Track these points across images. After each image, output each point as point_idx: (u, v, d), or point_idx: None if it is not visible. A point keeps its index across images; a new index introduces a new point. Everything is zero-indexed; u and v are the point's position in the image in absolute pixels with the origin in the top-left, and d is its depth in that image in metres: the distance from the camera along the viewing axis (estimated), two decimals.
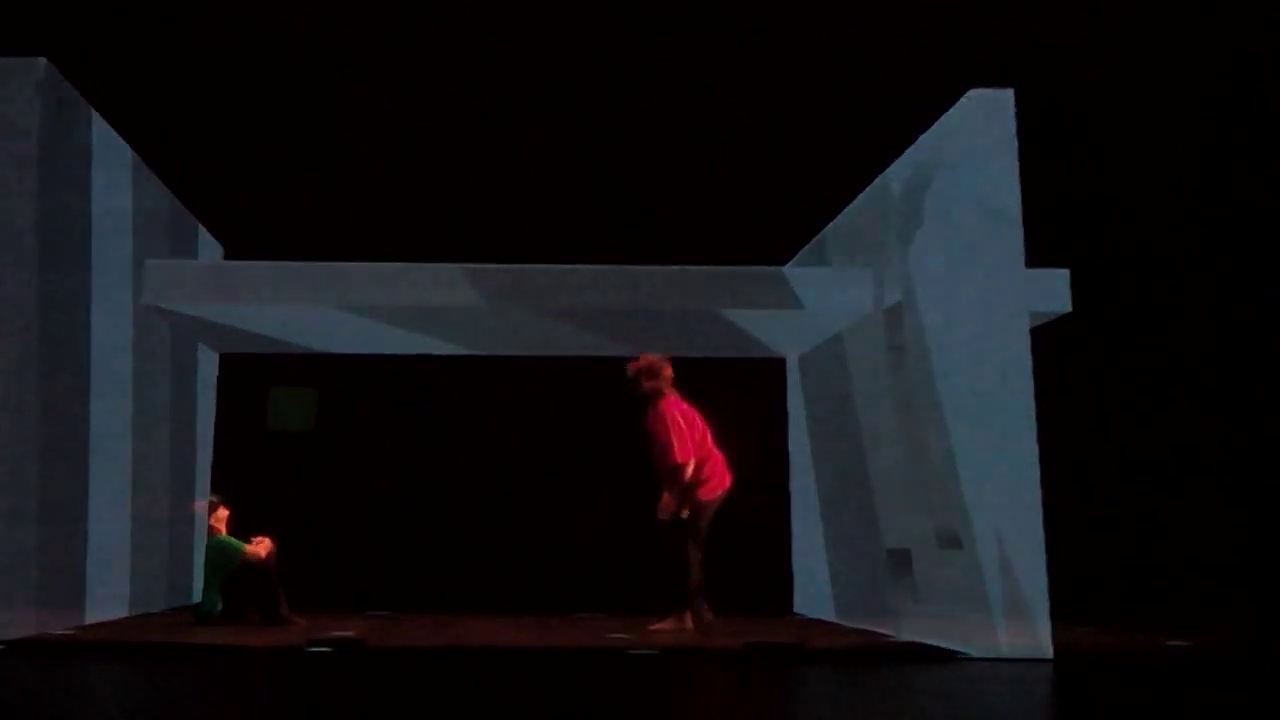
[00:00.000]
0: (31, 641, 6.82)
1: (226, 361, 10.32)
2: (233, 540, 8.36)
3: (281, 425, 10.39)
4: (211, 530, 8.55)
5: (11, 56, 7.22)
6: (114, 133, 8.23)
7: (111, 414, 8.19)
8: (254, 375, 10.33)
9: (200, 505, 9.49)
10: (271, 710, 5.06)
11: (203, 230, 9.90)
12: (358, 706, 5.04)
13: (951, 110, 7.30)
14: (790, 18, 10.67)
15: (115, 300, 8.27)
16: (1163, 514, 9.79)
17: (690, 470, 7.91)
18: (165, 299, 8.49)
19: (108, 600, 8.14)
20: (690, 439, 7.96)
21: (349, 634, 7.34)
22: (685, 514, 7.95)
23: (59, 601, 7.45)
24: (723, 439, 8.23)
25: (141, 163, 8.69)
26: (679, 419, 7.98)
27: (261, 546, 8.27)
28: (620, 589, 9.45)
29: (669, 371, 8.14)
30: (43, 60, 7.27)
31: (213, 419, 10.21)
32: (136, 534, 8.58)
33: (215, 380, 10.29)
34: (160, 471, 9.19)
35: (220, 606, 8.22)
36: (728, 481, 8.11)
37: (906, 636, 7.64)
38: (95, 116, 7.97)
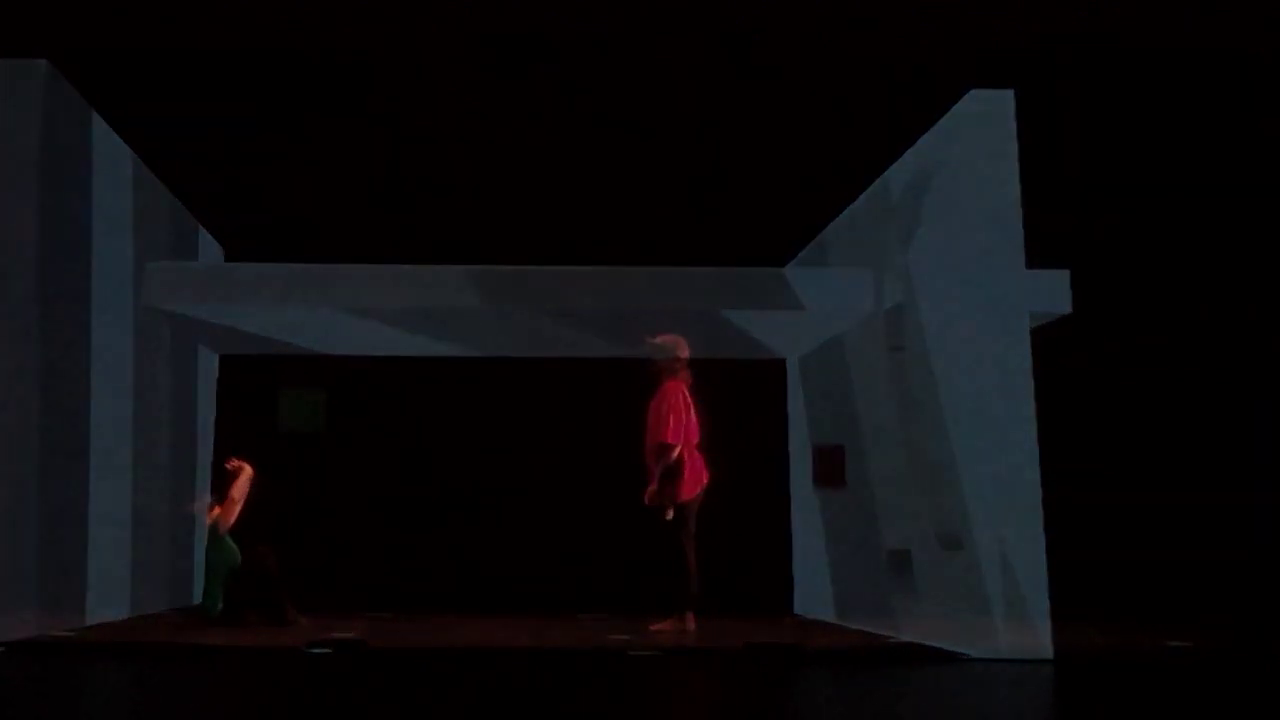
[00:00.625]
0: (31, 642, 6.82)
1: (226, 362, 10.32)
2: (214, 527, 8.36)
3: (291, 427, 10.38)
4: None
5: (12, 58, 7.23)
6: (114, 133, 8.23)
7: (111, 414, 8.19)
8: (254, 376, 10.32)
9: (196, 505, 9.49)
10: (272, 711, 5.06)
11: (203, 231, 9.90)
12: (358, 707, 5.05)
13: (951, 110, 7.30)
14: (790, 18, 10.66)
15: (116, 301, 8.27)
16: (1163, 514, 9.78)
17: (677, 451, 7.97)
18: (166, 300, 8.49)
19: (108, 600, 8.14)
20: (683, 427, 8.04)
21: (350, 634, 7.34)
22: (670, 515, 7.99)
23: (59, 602, 7.45)
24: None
25: (141, 164, 8.69)
26: (679, 404, 8.05)
27: (238, 485, 8.27)
28: (620, 589, 9.44)
29: (684, 355, 8.21)
30: (43, 61, 7.28)
31: (213, 419, 10.21)
32: (136, 534, 8.58)
33: (215, 381, 10.29)
34: (160, 471, 9.18)
35: (220, 606, 8.22)
36: (705, 479, 8.18)
37: (906, 637, 7.64)
38: (95, 117, 7.97)
